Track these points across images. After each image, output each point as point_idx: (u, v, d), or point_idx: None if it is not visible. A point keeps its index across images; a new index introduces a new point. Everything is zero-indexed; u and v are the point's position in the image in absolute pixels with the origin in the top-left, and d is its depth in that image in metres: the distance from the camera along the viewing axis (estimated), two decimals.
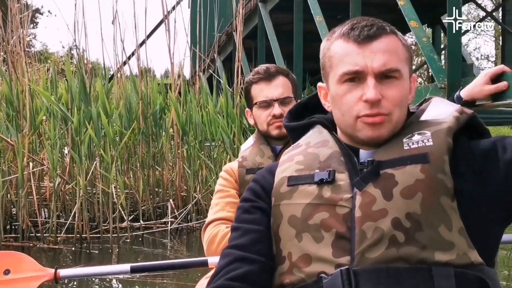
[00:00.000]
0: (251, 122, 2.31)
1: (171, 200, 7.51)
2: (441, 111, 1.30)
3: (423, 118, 1.30)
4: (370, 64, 1.24)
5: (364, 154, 1.30)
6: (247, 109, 2.34)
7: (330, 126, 1.42)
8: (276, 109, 2.17)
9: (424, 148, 1.21)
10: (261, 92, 2.21)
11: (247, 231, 1.34)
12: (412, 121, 1.31)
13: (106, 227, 6.71)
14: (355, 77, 1.26)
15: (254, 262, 1.28)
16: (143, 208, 7.41)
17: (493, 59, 26.57)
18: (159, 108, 7.61)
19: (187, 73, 11.94)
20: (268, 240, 1.32)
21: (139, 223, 7.09)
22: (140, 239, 6.92)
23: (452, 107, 1.31)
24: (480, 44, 51.07)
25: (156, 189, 7.74)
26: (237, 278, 1.26)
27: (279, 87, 2.20)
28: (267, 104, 2.20)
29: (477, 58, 27.33)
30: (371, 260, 1.15)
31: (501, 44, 9.49)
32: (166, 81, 8.89)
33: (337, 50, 1.29)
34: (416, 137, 1.25)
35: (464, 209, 1.18)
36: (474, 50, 27.88)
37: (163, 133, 7.84)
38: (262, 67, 2.26)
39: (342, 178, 1.26)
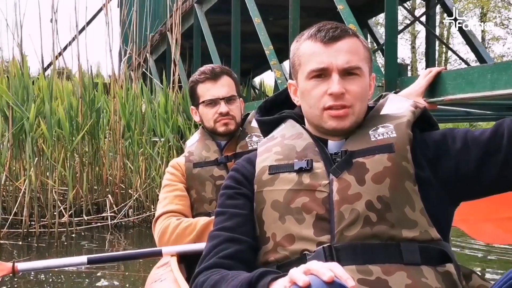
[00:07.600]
0: (196, 119, 2.42)
1: (109, 195, 7.58)
2: (398, 106, 1.46)
3: (383, 112, 1.46)
4: (335, 62, 1.38)
5: (332, 145, 1.45)
6: (192, 106, 2.44)
7: (300, 120, 1.55)
8: (223, 107, 2.28)
9: (389, 139, 1.37)
10: (207, 91, 2.31)
11: (232, 215, 1.45)
12: (374, 114, 1.46)
13: (46, 223, 6.79)
14: (321, 74, 1.40)
15: (241, 242, 1.40)
16: (81, 204, 7.44)
17: (409, 61, 27.60)
18: (101, 105, 7.66)
19: (109, 71, 11.84)
20: (251, 223, 1.43)
21: (81, 218, 7.15)
22: (83, 233, 6.98)
23: (407, 102, 1.47)
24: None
25: (95, 187, 7.77)
26: (227, 256, 1.38)
27: (225, 86, 2.31)
28: (214, 102, 2.30)
29: None
30: (349, 237, 1.29)
31: (425, 47, 10.33)
32: (96, 79, 8.82)
33: (305, 50, 1.44)
34: (380, 130, 1.40)
35: (423, 193, 1.33)
36: None
37: (100, 130, 7.85)
38: (207, 67, 2.36)
39: (319, 166, 1.39)
